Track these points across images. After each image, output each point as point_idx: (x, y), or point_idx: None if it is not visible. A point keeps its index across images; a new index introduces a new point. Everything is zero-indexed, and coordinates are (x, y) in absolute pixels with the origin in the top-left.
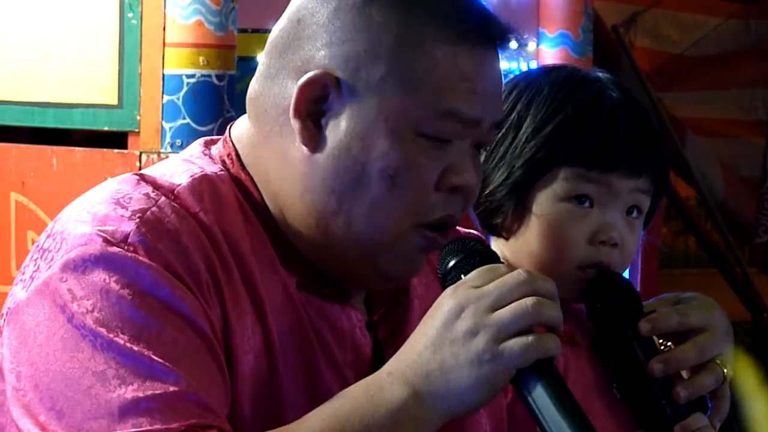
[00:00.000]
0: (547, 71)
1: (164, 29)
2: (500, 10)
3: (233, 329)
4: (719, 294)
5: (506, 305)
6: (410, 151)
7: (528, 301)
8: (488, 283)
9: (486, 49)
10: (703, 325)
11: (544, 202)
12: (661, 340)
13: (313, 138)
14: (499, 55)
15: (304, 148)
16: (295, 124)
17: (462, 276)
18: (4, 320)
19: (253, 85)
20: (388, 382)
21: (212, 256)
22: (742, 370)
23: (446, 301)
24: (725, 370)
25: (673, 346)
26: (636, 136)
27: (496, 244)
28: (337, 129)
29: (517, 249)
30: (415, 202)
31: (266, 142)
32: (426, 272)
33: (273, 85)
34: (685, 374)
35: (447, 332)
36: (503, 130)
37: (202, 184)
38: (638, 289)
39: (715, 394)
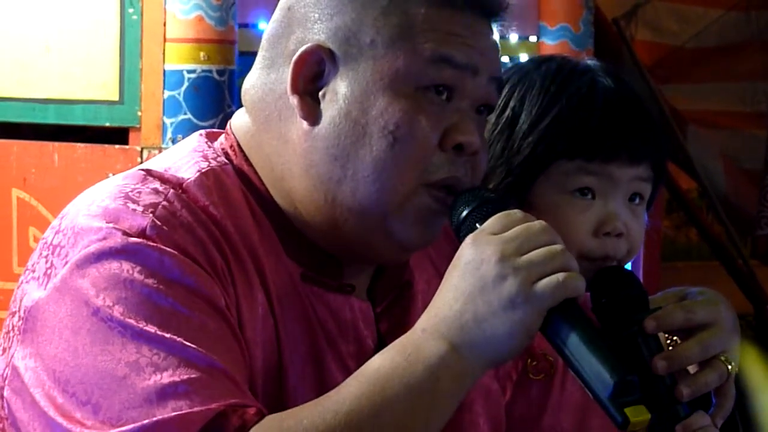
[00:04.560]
0: (537, 64)
1: (165, 25)
2: None
3: (245, 321)
4: (721, 286)
5: (532, 249)
6: (409, 107)
7: (558, 247)
8: (508, 228)
9: (473, 14)
10: (709, 322)
11: (545, 197)
12: (667, 335)
13: (313, 111)
14: (492, 25)
15: (305, 124)
16: (293, 101)
17: (477, 225)
18: (23, 320)
19: (249, 77)
20: (423, 338)
21: (225, 248)
22: (749, 363)
23: (468, 250)
24: (730, 367)
25: (679, 341)
26: (633, 124)
27: None
28: (335, 98)
29: None
30: (418, 159)
31: (266, 129)
32: (427, 269)
33: (269, 74)
34: (692, 370)
35: (475, 281)
36: (498, 128)
37: (210, 178)
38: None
39: (719, 392)
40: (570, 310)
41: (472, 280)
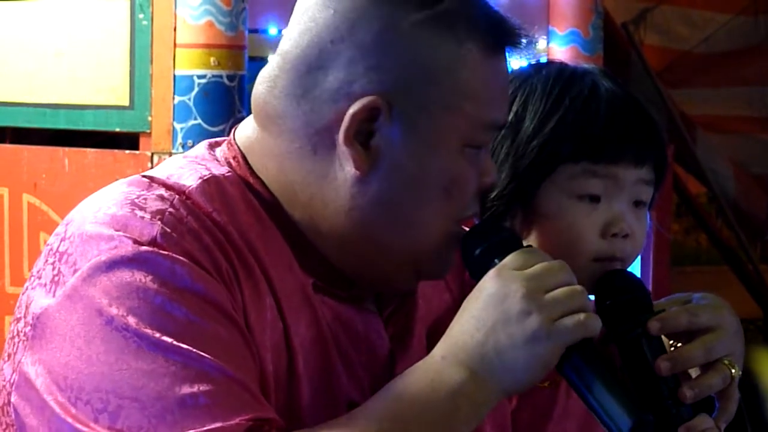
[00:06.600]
0: (536, 69)
1: (175, 30)
2: (511, 8)
3: (252, 325)
4: (731, 291)
5: (554, 287)
6: (460, 163)
7: (578, 287)
8: (529, 265)
9: (505, 53)
10: (712, 325)
11: (551, 201)
12: (671, 341)
13: (365, 161)
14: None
15: (355, 171)
16: (345, 150)
17: (496, 260)
18: (31, 327)
19: (270, 92)
20: (444, 365)
21: (230, 253)
22: (761, 367)
23: (492, 283)
24: (733, 371)
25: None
26: (637, 125)
27: None
28: (390, 150)
29: None
30: (461, 208)
31: (292, 158)
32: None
33: (301, 104)
34: (695, 374)
35: (498, 314)
36: (501, 133)
37: (211, 185)
38: (650, 286)
39: (722, 395)
40: (588, 349)
41: (495, 312)
